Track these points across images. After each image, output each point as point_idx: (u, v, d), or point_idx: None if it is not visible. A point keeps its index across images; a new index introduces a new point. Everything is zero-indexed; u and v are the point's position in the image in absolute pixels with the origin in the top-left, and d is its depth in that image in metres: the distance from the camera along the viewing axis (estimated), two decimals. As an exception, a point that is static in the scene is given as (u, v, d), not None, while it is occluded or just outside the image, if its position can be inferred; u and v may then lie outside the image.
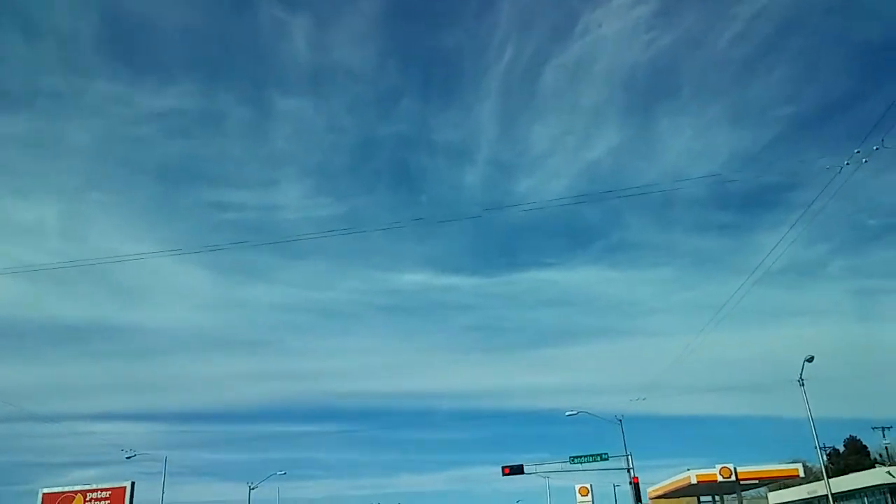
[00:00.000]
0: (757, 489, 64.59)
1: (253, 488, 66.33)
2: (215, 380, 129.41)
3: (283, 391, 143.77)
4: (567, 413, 51.28)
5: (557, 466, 54.08)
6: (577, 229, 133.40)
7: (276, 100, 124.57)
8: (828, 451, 65.69)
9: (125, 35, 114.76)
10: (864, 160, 21.69)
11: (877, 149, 20.95)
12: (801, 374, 39.67)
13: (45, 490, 52.52)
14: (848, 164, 22.18)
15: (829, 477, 42.93)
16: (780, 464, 54.25)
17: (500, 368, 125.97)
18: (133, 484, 51.15)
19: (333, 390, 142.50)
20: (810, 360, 38.60)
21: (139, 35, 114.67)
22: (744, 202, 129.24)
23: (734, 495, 56.17)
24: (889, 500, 46.64)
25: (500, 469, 54.48)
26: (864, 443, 72.48)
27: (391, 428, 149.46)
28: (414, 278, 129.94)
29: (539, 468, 55.20)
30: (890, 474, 42.28)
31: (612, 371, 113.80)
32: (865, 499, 50.61)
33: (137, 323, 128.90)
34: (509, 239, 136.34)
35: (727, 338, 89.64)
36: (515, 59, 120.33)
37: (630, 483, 49.38)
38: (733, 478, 48.12)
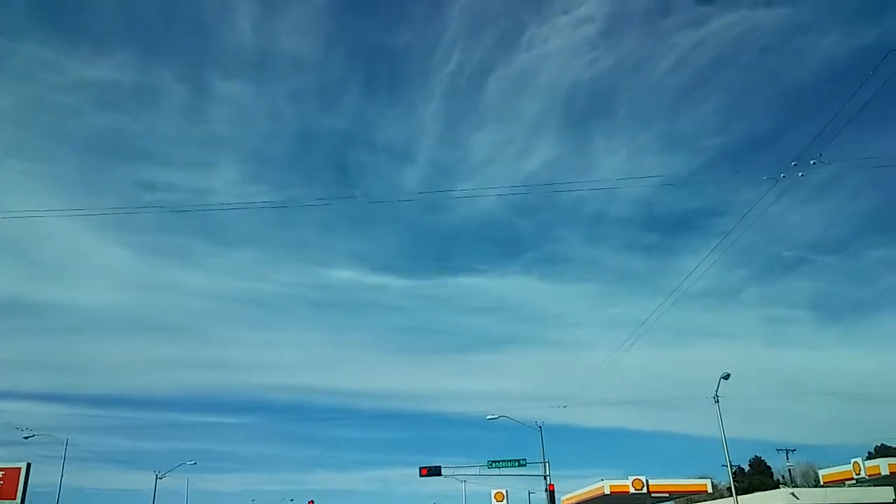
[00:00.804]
0: (667, 503, 66.17)
1: (160, 477, 63.94)
2: (132, 364, 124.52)
3: (202, 380, 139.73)
4: (488, 417, 51.31)
5: (475, 470, 54.09)
6: (510, 239, 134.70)
7: (216, 81, 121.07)
8: (733, 470, 67.77)
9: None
10: (780, 193, 22.40)
11: (802, 175, 21.59)
12: (716, 391, 40.64)
13: (-69, 467, 48.99)
14: (766, 193, 22.85)
15: (737, 494, 44.15)
16: (689, 479, 55.69)
17: (426, 371, 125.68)
18: (29, 465, 48.16)
19: (255, 382, 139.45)
20: (726, 377, 39.60)
21: (76, 0, 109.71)
22: (670, 225, 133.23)
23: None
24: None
25: (418, 470, 54.12)
26: (767, 463, 75.33)
27: (312, 424, 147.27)
28: (345, 275, 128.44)
29: (456, 471, 55.11)
30: (794, 496, 43.71)
31: (536, 380, 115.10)
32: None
33: (54, 300, 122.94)
34: (443, 243, 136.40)
35: (646, 354, 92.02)
36: (462, 64, 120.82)
37: (546, 490, 49.65)
38: (645, 490, 49.09)
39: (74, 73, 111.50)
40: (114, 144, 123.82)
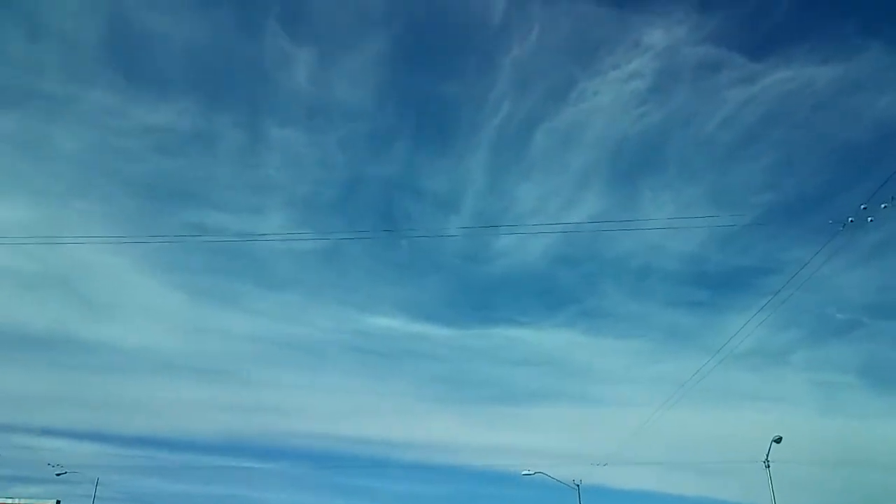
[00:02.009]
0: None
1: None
2: (170, 405, 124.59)
3: (238, 424, 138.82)
4: (524, 472, 49.35)
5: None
6: (553, 291, 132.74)
7: (271, 128, 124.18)
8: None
9: (129, 46, 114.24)
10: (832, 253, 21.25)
11: (872, 220, 20.33)
12: (767, 455, 38.38)
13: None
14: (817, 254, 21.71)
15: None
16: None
17: (464, 422, 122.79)
18: (58, 502, 48.12)
19: (291, 428, 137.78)
20: (778, 440, 37.39)
21: (143, 48, 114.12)
22: (718, 282, 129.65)
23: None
24: None
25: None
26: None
27: (346, 472, 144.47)
28: (387, 322, 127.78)
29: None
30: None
31: (575, 436, 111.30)
32: None
33: (99, 338, 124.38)
34: (485, 293, 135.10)
35: (690, 414, 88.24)
36: (510, 116, 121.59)
37: (582, 554, 47.24)
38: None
39: (138, 119, 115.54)
40: (170, 187, 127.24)
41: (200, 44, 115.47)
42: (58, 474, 53.02)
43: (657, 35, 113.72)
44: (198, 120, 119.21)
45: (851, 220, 21.44)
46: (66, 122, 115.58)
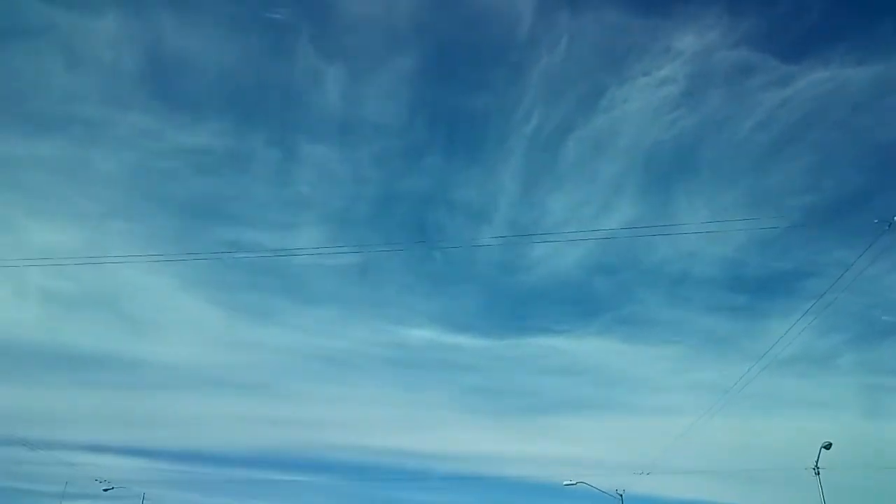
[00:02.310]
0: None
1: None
2: (212, 420, 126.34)
3: (278, 438, 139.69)
4: (565, 483, 48.86)
5: (552, 540, 51.31)
6: (589, 299, 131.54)
7: (304, 145, 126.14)
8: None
9: (165, 70, 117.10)
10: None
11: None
12: (816, 462, 37.52)
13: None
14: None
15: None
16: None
17: (502, 433, 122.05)
18: (106, 517, 49.02)
19: (329, 441, 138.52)
20: (828, 447, 36.53)
21: (178, 72, 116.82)
22: (757, 286, 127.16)
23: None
24: None
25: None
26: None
27: (385, 485, 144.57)
28: (422, 334, 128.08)
29: (532, 540, 52.42)
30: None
31: (615, 445, 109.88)
32: None
33: (144, 356, 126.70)
34: (520, 303, 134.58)
35: (734, 422, 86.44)
36: (541, 126, 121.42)
37: (627, 564, 46.58)
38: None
39: (174, 140, 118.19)
40: (207, 207, 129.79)
41: (234, 66, 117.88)
42: (105, 489, 54.16)
43: (688, 40, 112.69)
44: (232, 140, 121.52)
45: (896, 219, 20.94)
46: (105, 146, 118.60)
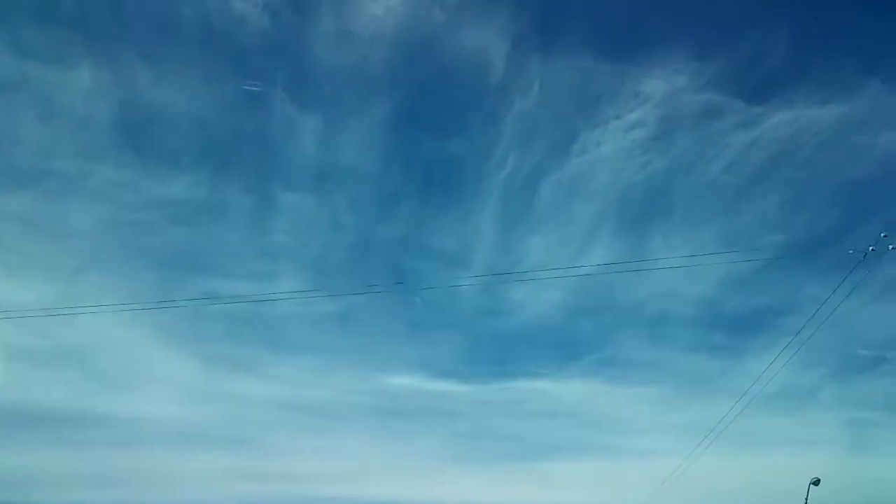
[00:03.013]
0: None
1: None
2: (191, 475, 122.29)
3: (258, 492, 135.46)
4: (554, 529, 47.85)
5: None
6: (570, 342, 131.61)
7: (279, 194, 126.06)
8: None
9: (139, 122, 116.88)
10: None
11: (893, 248, 20.14)
12: (806, 499, 37.22)
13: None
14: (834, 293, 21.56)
15: None
16: None
17: (487, 479, 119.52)
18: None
19: (312, 494, 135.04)
20: (816, 483, 36.29)
21: (153, 123, 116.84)
22: (735, 325, 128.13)
23: None
24: None
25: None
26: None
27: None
28: (404, 381, 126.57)
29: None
30: None
31: (601, 489, 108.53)
32: None
33: (120, 412, 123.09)
34: (502, 347, 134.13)
35: (719, 462, 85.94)
36: (516, 170, 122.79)
37: None
38: None
39: (149, 192, 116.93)
40: (184, 258, 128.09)
41: (209, 117, 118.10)
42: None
43: (656, 84, 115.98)
44: (208, 190, 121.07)
45: (872, 249, 21.31)
46: (79, 199, 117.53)
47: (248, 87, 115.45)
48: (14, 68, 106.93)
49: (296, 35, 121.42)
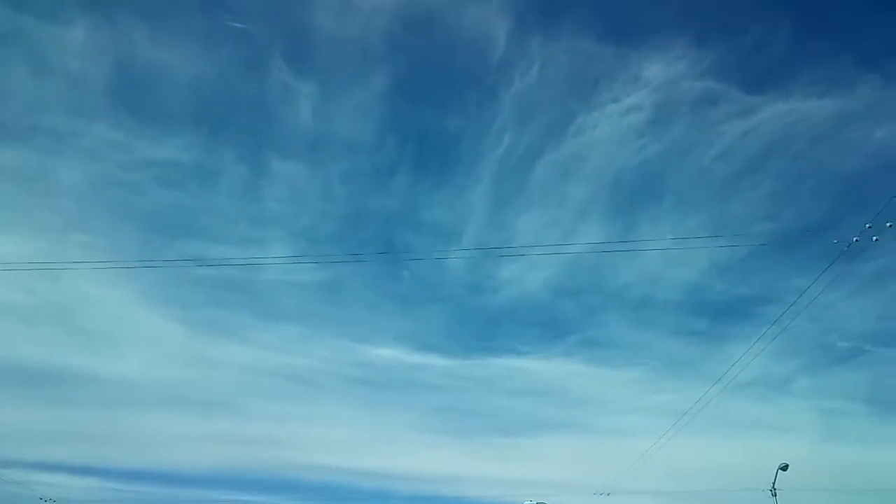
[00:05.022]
0: None
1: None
2: (169, 438, 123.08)
3: (238, 457, 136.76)
4: (527, 502, 48.84)
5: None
6: (554, 321, 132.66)
7: (274, 162, 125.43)
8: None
9: (134, 82, 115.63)
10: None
11: (876, 239, 20.45)
12: (773, 484, 38.02)
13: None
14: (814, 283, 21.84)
15: None
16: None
17: (465, 453, 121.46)
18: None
19: (291, 461, 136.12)
20: (784, 468, 37.07)
21: (148, 84, 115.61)
22: (718, 311, 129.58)
23: None
24: None
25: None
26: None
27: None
28: (388, 353, 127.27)
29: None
30: None
31: (577, 466, 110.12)
32: None
33: (96, 371, 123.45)
34: (487, 324, 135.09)
35: (693, 443, 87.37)
36: (511, 149, 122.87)
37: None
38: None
39: (141, 153, 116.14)
40: (172, 221, 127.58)
41: (206, 80, 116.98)
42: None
43: (656, 69, 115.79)
44: (201, 154, 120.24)
45: (856, 240, 21.57)
46: (70, 157, 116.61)
47: (232, 25, 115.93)
48: (9, 21, 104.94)
49: (297, 3, 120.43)
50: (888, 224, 20.36)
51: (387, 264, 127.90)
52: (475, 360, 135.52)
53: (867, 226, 20.95)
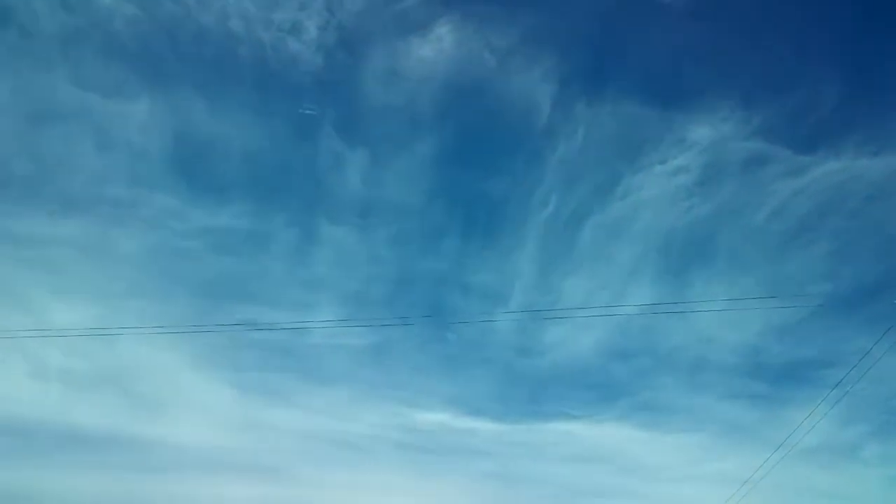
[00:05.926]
0: None
1: None
2: (221, 503, 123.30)
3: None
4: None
5: None
6: (605, 384, 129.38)
7: (324, 226, 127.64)
8: None
9: (192, 153, 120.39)
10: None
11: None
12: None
13: None
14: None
15: None
16: None
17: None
18: None
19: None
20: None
21: (205, 155, 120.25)
22: (777, 375, 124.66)
23: None
24: None
25: None
26: None
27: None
28: (435, 417, 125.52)
29: None
30: None
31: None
32: None
33: (154, 436, 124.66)
34: (536, 387, 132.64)
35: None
36: (557, 212, 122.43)
37: None
38: None
39: (197, 221, 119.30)
40: (225, 286, 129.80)
41: (259, 149, 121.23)
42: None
43: (702, 131, 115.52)
44: (254, 221, 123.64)
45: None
46: (129, 226, 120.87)
47: (303, 112, 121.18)
48: (76, 100, 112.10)
49: (346, 74, 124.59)
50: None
51: (434, 328, 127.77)
52: (525, 424, 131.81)
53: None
